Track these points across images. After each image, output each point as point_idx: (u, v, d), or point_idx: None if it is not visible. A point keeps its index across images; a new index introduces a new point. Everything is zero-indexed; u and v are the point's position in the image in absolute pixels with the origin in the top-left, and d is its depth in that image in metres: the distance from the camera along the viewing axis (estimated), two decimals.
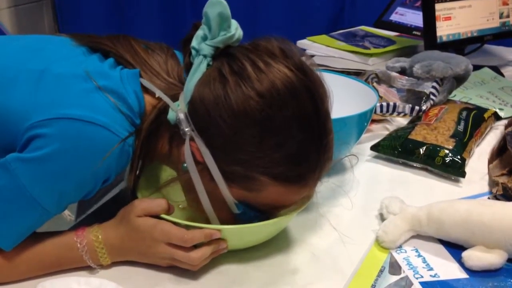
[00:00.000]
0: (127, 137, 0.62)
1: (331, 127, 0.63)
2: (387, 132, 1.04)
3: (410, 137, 0.96)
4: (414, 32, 1.63)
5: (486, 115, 1.06)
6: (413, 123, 1.02)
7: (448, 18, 1.28)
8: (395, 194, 0.81)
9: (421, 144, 0.94)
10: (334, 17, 2.15)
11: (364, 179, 0.92)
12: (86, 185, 0.63)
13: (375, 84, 1.16)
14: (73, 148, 0.59)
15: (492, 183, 0.87)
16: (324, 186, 0.86)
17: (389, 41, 1.53)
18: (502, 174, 0.88)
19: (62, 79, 0.63)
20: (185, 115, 0.61)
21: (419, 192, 0.87)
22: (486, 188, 0.88)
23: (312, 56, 1.47)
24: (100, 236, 0.64)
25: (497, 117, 1.11)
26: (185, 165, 0.62)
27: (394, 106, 1.04)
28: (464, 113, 1.03)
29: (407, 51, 1.50)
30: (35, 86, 0.62)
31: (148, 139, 0.65)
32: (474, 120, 1.02)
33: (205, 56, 0.61)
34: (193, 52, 0.62)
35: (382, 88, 1.14)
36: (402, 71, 1.19)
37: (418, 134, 0.97)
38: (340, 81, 0.99)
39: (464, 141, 0.95)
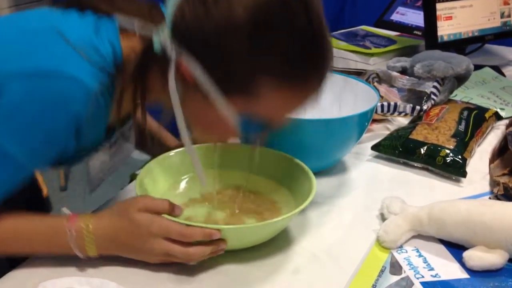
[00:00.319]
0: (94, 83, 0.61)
1: (323, 26, 0.61)
2: (387, 132, 1.03)
3: (411, 137, 0.96)
4: (415, 32, 1.63)
5: (487, 115, 1.06)
6: (414, 123, 1.02)
7: (449, 18, 1.27)
8: (396, 194, 0.80)
9: (422, 144, 0.94)
10: (334, 17, 2.15)
11: (364, 179, 0.91)
12: (55, 138, 0.63)
13: (375, 83, 1.15)
14: (38, 101, 0.60)
15: (493, 183, 0.86)
16: (324, 186, 0.87)
17: (390, 40, 1.53)
18: (503, 174, 0.87)
19: (30, 33, 0.64)
20: (169, 37, 0.61)
21: (420, 192, 0.87)
22: (487, 188, 0.88)
23: None
24: (90, 226, 0.64)
25: (498, 117, 1.11)
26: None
27: (395, 105, 1.04)
28: (465, 113, 1.03)
29: (408, 51, 1.50)
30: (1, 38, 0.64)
31: (139, 79, 0.65)
32: (475, 120, 1.01)
33: None
34: None
35: (383, 88, 1.14)
36: (403, 71, 1.19)
37: (419, 134, 0.96)
38: (341, 81, 0.98)
39: (465, 140, 0.95)
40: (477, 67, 1.34)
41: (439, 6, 1.25)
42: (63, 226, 0.64)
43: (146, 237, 0.64)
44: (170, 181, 0.80)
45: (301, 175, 0.77)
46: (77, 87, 0.60)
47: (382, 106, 1.04)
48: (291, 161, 0.79)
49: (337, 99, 0.98)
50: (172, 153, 0.80)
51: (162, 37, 0.61)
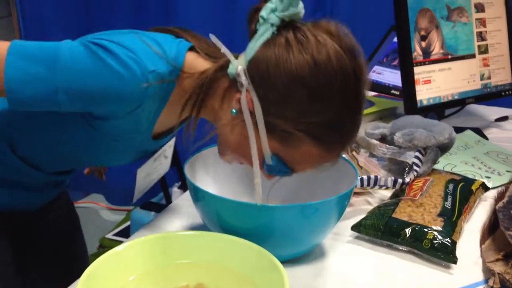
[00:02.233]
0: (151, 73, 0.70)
1: (363, 108, 0.72)
2: (369, 207, 0.95)
3: (394, 215, 0.88)
4: (393, 92, 1.59)
5: (473, 187, 0.98)
6: (396, 198, 0.94)
7: (428, 82, 1.22)
8: (380, 285, 0.71)
9: (407, 224, 0.85)
10: None
11: (344, 266, 0.82)
12: (99, 97, 0.69)
13: (354, 153, 1.08)
14: (110, 65, 0.68)
15: (488, 271, 0.78)
16: (299, 276, 0.77)
17: (368, 102, 1.47)
18: (497, 260, 0.79)
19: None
20: (244, 69, 0.70)
21: (407, 282, 0.78)
22: (480, 276, 0.79)
23: None
24: None
25: (485, 188, 1.04)
26: (234, 110, 0.72)
27: (376, 179, 0.96)
28: (451, 187, 0.96)
29: (387, 113, 1.45)
30: None
31: (204, 91, 0.74)
32: (462, 194, 0.94)
33: (272, 24, 0.70)
34: (261, 20, 0.70)
35: (362, 158, 1.06)
36: (382, 138, 1.12)
37: (402, 212, 0.88)
38: None
39: (453, 220, 0.87)
40: (458, 129, 1.28)
41: (417, 69, 1.20)
42: None
43: None
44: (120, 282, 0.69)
45: (271, 269, 0.67)
46: (139, 77, 0.69)
47: (362, 180, 0.96)
48: (258, 252, 0.69)
49: (313, 174, 0.91)
50: (120, 248, 0.70)
51: (238, 64, 0.70)
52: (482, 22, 1.33)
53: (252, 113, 0.70)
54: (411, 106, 1.19)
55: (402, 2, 1.17)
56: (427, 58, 1.23)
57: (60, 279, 0.83)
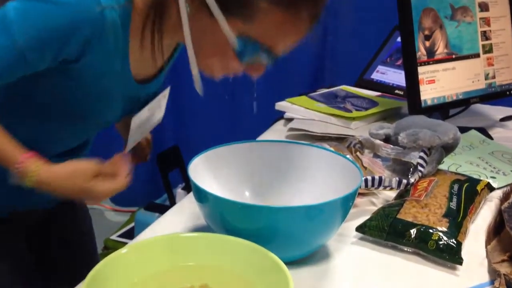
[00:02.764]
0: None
1: None
2: (373, 208, 0.95)
3: (399, 216, 0.87)
4: (397, 91, 1.58)
5: (479, 187, 0.98)
6: (401, 198, 0.93)
7: (432, 81, 1.22)
8: (385, 286, 0.70)
9: (412, 225, 0.85)
10: (314, 75, 2.11)
11: (349, 267, 0.82)
12: (60, 34, 0.70)
13: (358, 153, 1.08)
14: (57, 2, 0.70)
15: (493, 272, 0.77)
16: (304, 277, 0.77)
17: (371, 102, 1.47)
18: (503, 261, 0.78)
19: None
20: None
21: (412, 284, 0.77)
22: (486, 277, 0.78)
23: (291, 119, 1.39)
24: (35, 177, 0.74)
25: (490, 188, 1.03)
26: (187, 6, 0.72)
27: (380, 180, 0.96)
28: (456, 187, 0.95)
29: (391, 113, 1.44)
30: None
31: (155, 10, 0.75)
32: (467, 195, 0.93)
33: None
34: None
35: (366, 158, 1.06)
36: (386, 138, 1.12)
37: (407, 213, 0.88)
38: (319, 155, 0.91)
39: (458, 220, 0.86)
40: (463, 129, 1.27)
41: (421, 69, 1.20)
42: (15, 159, 0.73)
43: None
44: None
45: (275, 270, 0.67)
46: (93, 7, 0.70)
47: (366, 180, 0.95)
48: (262, 253, 0.69)
49: (318, 175, 0.90)
50: (124, 250, 0.70)
51: None
52: (486, 21, 1.33)
53: (201, 2, 0.71)
54: (415, 106, 1.19)
55: (406, 2, 1.16)
56: (431, 58, 1.22)
57: (73, 277, 0.84)
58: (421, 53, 1.21)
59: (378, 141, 1.10)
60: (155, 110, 0.95)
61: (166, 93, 0.97)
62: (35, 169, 0.74)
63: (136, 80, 0.85)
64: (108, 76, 0.80)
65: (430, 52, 1.22)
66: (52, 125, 0.85)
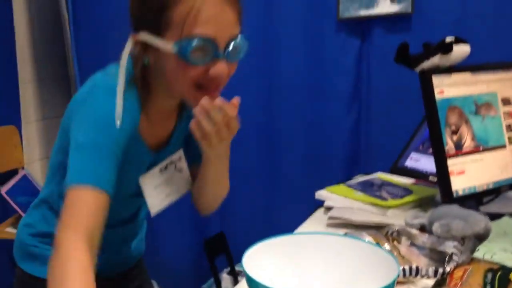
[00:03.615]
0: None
1: None
2: None
3: None
4: (431, 179, 1.66)
5: (511, 276, 1.04)
6: (439, 287, 1.00)
7: (462, 173, 1.31)
8: None
9: None
10: (350, 160, 2.23)
11: None
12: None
13: (396, 242, 1.16)
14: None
15: None
16: None
17: (406, 190, 1.56)
18: None
19: None
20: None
21: None
22: None
23: (331, 208, 1.49)
24: None
25: None
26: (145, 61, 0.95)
27: (417, 269, 1.03)
28: (489, 276, 1.01)
29: (425, 201, 1.52)
30: None
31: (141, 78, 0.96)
32: (500, 284, 0.99)
33: None
34: None
35: (403, 247, 1.14)
36: (422, 227, 1.20)
37: None
38: (357, 247, 1.00)
39: None
40: (496, 215, 1.34)
41: (450, 162, 1.29)
42: None
43: None
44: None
45: None
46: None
47: (404, 270, 1.03)
48: None
49: (354, 268, 0.98)
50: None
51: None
52: (510, 114, 1.43)
53: (147, 45, 0.90)
54: (447, 197, 1.27)
55: (432, 102, 1.29)
56: (459, 151, 1.32)
57: None
58: (449, 146, 1.31)
59: (414, 230, 1.19)
60: (174, 173, 1.07)
61: (180, 154, 1.09)
62: None
63: (151, 148, 1.01)
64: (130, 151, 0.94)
65: (458, 145, 1.32)
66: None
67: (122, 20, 0.99)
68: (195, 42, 0.87)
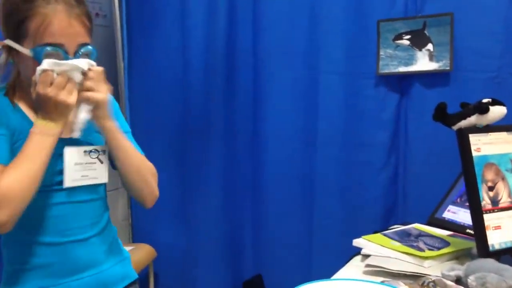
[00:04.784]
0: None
1: None
2: None
3: None
4: (468, 231, 1.69)
5: None
6: None
7: (498, 227, 1.36)
8: None
9: None
10: (387, 211, 2.27)
11: None
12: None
13: None
14: None
15: None
16: None
17: (443, 242, 1.59)
18: None
19: None
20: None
21: None
22: None
23: (368, 255, 1.54)
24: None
25: None
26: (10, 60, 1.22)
27: None
28: None
29: (462, 253, 1.55)
30: None
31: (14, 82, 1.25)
32: None
33: None
34: None
35: None
36: (458, 280, 1.24)
37: None
38: None
39: None
40: None
41: (486, 217, 1.34)
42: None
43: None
44: None
45: None
46: None
47: None
48: None
49: None
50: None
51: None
52: None
53: (7, 47, 1.17)
54: (484, 250, 1.32)
55: (469, 159, 1.35)
56: (496, 206, 1.37)
57: None
58: (486, 202, 1.36)
59: (450, 283, 1.23)
60: (95, 161, 1.24)
61: (105, 148, 1.26)
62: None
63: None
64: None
65: (494, 201, 1.37)
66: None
67: None
68: (45, 48, 1.13)
